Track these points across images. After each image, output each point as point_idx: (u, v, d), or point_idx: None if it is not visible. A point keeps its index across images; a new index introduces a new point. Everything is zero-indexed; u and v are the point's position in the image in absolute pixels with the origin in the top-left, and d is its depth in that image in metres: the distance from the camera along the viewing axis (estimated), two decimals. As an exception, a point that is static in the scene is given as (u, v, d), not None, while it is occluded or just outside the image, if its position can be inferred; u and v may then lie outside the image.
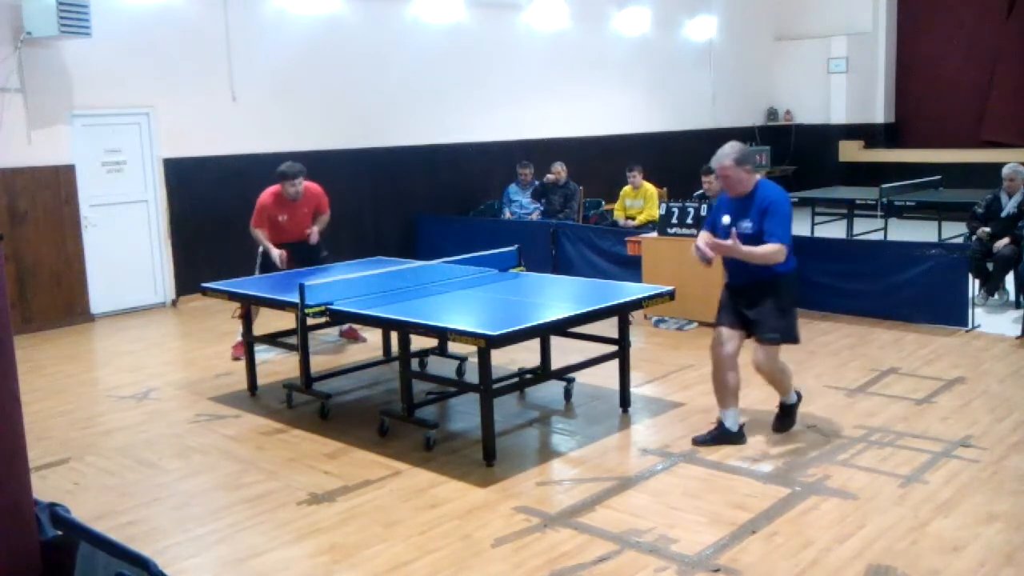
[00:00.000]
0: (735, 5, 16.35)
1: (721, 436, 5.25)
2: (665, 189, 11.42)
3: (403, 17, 11.76)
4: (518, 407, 6.15)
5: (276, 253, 7.32)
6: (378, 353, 7.27)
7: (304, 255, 7.48)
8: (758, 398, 6.15)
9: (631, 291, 6.01)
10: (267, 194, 7.50)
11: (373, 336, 7.75)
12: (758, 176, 5.23)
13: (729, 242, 4.98)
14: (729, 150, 5.15)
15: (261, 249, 7.57)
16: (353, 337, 8.07)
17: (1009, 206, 8.61)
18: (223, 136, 10.24)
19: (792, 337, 5.23)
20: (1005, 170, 8.79)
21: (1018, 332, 7.48)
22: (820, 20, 16.74)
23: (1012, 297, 8.61)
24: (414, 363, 6.62)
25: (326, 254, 7.69)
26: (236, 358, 7.30)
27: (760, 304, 5.11)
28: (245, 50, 10.31)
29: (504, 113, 12.87)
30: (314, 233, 7.63)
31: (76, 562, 2.14)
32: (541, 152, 12.55)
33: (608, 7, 14.22)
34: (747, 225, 5.09)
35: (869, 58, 16.63)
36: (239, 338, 7.26)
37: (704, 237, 5.22)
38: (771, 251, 4.99)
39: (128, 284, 9.71)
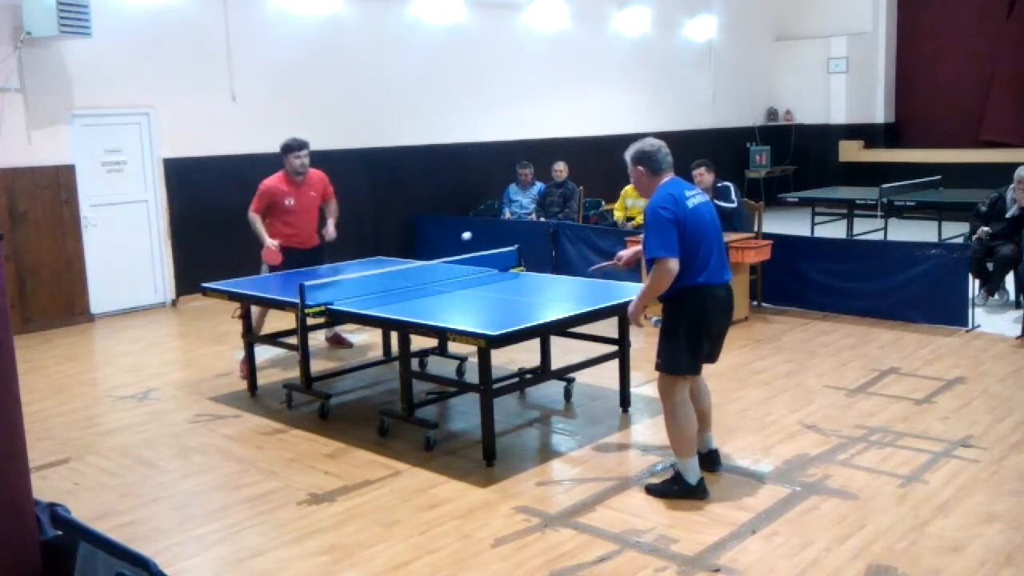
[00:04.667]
0: (735, 5, 16.35)
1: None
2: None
3: (403, 17, 11.76)
4: (518, 407, 6.15)
5: (269, 242, 7.01)
6: (378, 353, 7.27)
7: (303, 260, 7.20)
8: (756, 399, 6.15)
9: (631, 291, 5.98)
10: (271, 177, 7.25)
11: (373, 336, 7.75)
12: (665, 178, 4.55)
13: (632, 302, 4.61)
14: (634, 144, 4.64)
15: (269, 243, 7.21)
16: (339, 343, 7.87)
17: (1014, 208, 8.53)
18: (223, 136, 10.24)
19: (667, 366, 4.52)
20: (1019, 171, 8.58)
21: (1018, 332, 7.48)
22: (820, 20, 16.74)
23: (1012, 297, 8.61)
24: (414, 363, 6.62)
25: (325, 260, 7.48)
26: (244, 377, 6.84)
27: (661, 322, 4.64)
28: (245, 50, 10.31)
29: (504, 113, 12.87)
30: (331, 228, 7.39)
31: (76, 562, 2.15)
32: (541, 152, 12.55)
33: (608, 7, 14.22)
34: (644, 237, 4.58)
35: (869, 58, 16.62)
36: (240, 356, 6.96)
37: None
38: (652, 275, 4.39)
39: (128, 284, 9.71)
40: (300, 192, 7.26)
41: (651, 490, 4.62)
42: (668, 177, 4.58)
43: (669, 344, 4.53)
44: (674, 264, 4.33)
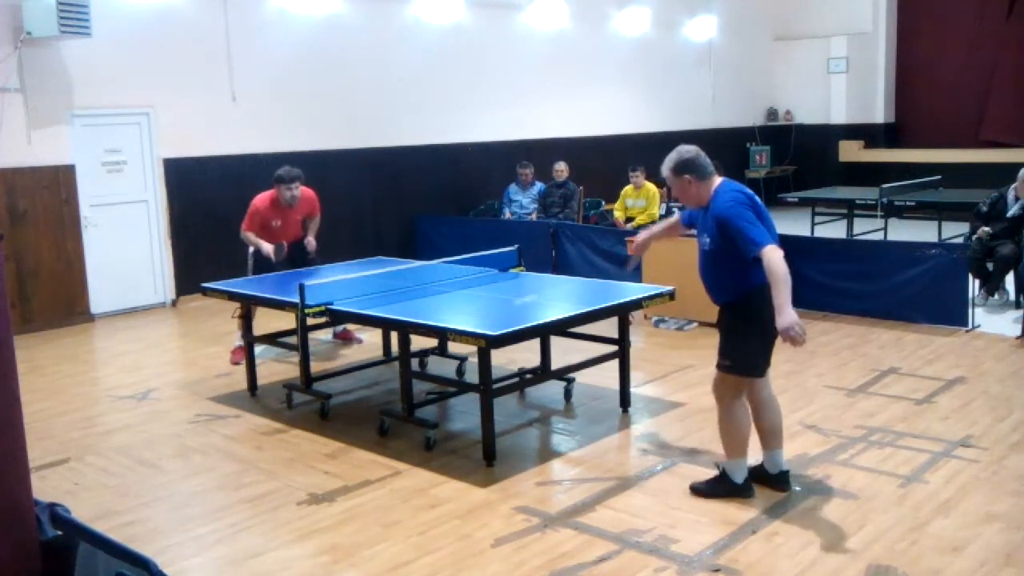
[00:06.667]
0: (735, 5, 16.35)
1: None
2: (665, 189, 11.42)
3: (403, 17, 11.76)
4: (518, 407, 6.15)
5: (268, 248, 7.26)
6: (378, 353, 7.27)
7: (294, 256, 7.47)
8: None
9: (631, 291, 6.01)
10: (262, 198, 7.43)
11: (373, 336, 7.75)
12: (716, 181, 4.39)
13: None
14: (669, 157, 4.44)
15: (252, 250, 7.54)
16: (347, 339, 8.02)
17: (1015, 208, 8.53)
18: (223, 136, 10.24)
19: (742, 369, 4.38)
20: (1023, 172, 8.56)
21: (1018, 332, 7.47)
22: (820, 20, 16.74)
23: (1012, 297, 8.60)
24: (414, 363, 6.62)
25: (313, 257, 7.64)
26: (235, 363, 7.27)
27: (723, 323, 4.47)
28: (245, 50, 10.31)
29: (504, 113, 12.87)
30: (311, 243, 7.64)
31: (76, 562, 2.15)
32: (541, 152, 12.55)
33: (608, 7, 14.23)
34: (706, 240, 4.38)
35: (869, 58, 16.62)
36: (237, 343, 7.24)
37: (642, 235, 5.10)
38: (772, 267, 4.07)
39: (128, 284, 9.71)
40: (287, 215, 7.49)
41: (696, 490, 4.60)
42: (720, 179, 4.40)
43: (743, 346, 4.36)
44: (780, 251, 4.10)
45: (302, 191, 7.48)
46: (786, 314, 4.05)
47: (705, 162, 4.41)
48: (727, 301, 4.44)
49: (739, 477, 4.53)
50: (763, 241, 4.11)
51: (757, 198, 4.40)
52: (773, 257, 4.09)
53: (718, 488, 4.55)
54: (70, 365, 7.74)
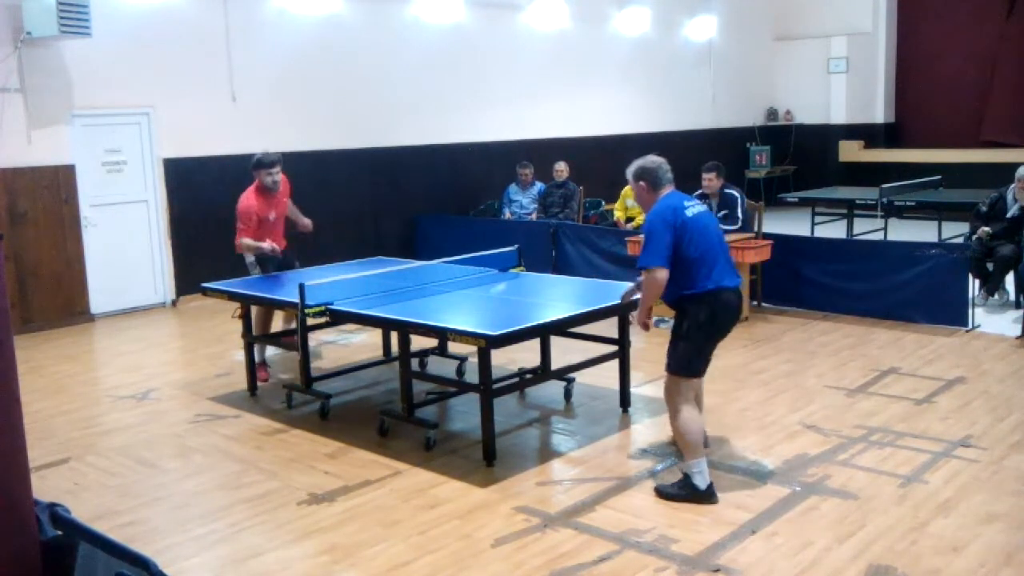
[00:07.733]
0: (735, 5, 16.34)
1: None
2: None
3: (403, 17, 11.76)
4: (518, 407, 6.15)
5: (268, 245, 6.84)
6: (378, 353, 7.27)
7: (278, 266, 7.08)
8: (756, 399, 6.15)
9: (631, 291, 6.00)
10: (248, 196, 6.91)
11: (373, 336, 7.75)
12: (663, 192, 4.66)
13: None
14: (635, 162, 4.77)
15: (251, 260, 7.07)
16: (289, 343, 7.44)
17: (1015, 208, 8.52)
18: (223, 136, 10.24)
19: (679, 369, 4.58)
20: (1020, 171, 8.47)
21: (1018, 332, 7.48)
22: (820, 20, 16.74)
23: (1012, 297, 8.60)
24: (414, 363, 6.62)
25: (297, 264, 7.28)
26: (263, 380, 6.85)
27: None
28: (245, 50, 10.31)
29: (504, 113, 12.87)
30: (305, 220, 7.27)
31: (76, 562, 2.14)
32: (541, 152, 12.55)
33: (608, 7, 14.23)
34: None
35: (869, 58, 16.62)
36: (258, 359, 6.88)
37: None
38: (643, 287, 4.61)
39: (128, 284, 9.71)
40: (277, 203, 7.07)
41: (660, 492, 4.61)
42: (668, 190, 4.71)
43: (681, 347, 4.60)
44: (662, 274, 4.45)
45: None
46: (638, 314, 4.76)
47: (661, 175, 4.70)
48: (668, 302, 4.68)
49: (701, 481, 4.52)
50: (646, 263, 4.49)
51: (687, 212, 4.55)
52: (647, 278, 4.53)
53: (681, 492, 4.55)
54: (70, 365, 7.74)
